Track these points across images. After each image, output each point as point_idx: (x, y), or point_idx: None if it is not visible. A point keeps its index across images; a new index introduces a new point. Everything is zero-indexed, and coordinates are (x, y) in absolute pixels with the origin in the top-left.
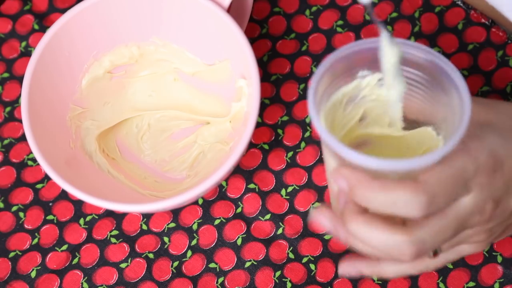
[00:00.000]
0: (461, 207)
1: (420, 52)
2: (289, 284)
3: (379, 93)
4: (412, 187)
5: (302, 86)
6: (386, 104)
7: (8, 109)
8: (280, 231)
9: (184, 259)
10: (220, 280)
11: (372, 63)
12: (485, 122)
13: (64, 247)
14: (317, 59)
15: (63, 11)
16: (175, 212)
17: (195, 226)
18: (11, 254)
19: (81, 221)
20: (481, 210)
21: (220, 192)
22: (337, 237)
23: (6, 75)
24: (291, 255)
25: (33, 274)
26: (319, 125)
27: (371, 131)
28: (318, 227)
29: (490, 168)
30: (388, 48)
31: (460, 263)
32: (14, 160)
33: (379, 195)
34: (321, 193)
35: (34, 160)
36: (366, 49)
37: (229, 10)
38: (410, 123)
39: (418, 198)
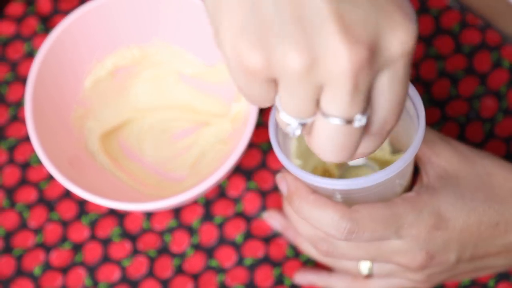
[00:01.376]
0: (388, 243)
1: None
2: (288, 282)
3: None
4: (341, 211)
5: None
6: None
7: (12, 109)
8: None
9: (185, 257)
10: (221, 277)
11: None
12: (451, 173)
13: (68, 245)
14: None
15: (66, 13)
16: (177, 211)
17: (196, 225)
18: (16, 252)
19: (84, 219)
20: (411, 256)
21: (220, 191)
22: (286, 236)
23: (10, 76)
24: (290, 253)
25: (37, 272)
26: (274, 138)
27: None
28: (269, 226)
29: (430, 225)
30: None
31: None
32: (18, 160)
33: (310, 208)
34: None
35: (38, 160)
36: None
37: None
38: (397, 148)
39: (342, 223)
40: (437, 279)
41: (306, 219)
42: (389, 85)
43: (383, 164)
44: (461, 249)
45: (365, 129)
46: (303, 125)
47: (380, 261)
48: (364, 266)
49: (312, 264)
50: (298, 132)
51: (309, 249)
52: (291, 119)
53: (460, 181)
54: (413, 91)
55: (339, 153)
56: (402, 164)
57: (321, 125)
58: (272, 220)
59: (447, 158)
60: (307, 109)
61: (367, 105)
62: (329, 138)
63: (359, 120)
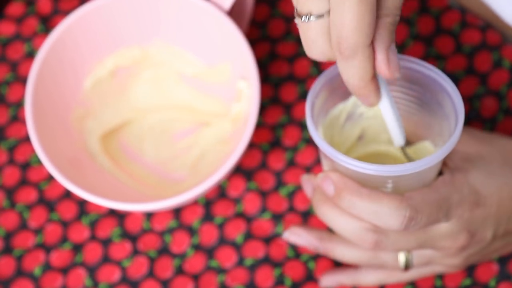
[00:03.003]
0: (435, 228)
1: (412, 64)
2: (288, 282)
3: (376, 110)
4: (398, 199)
5: (301, 87)
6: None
7: (12, 110)
8: (280, 230)
9: (185, 258)
10: (221, 278)
11: None
12: (474, 154)
13: (68, 245)
14: (316, 61)
15: (67, 13)
16: (177, 211)
17: (196, 225)
18: (16, 253)
19: (85, 220)
20: (454, 237)
21: (220, 192)
22: (313, 247)
23: (10, 76)
24: (291, 254)
25: (37, 272)
26: (316, 134)
27: (370, 149)
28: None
29: (472, 202)
30: None
31: None
32: (18, 160)
33: (364, 202)
34: None
35: (38, 160)
36: None
37: (230, 13)
38: (408, 139)
39: (401, 211)
40: (471, 260)
41: (359, 214)
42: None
43: (392, 157)
44: (496, 225)
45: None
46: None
47: (426, 247)
48: (403, 258)
49: (313, 264)
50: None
51: (343, 253)
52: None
53: (485, 160)
54: (449, 85)
55: (307, 47)
56: (451, 144)
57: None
58: (295, 237)
59: (466, 143)
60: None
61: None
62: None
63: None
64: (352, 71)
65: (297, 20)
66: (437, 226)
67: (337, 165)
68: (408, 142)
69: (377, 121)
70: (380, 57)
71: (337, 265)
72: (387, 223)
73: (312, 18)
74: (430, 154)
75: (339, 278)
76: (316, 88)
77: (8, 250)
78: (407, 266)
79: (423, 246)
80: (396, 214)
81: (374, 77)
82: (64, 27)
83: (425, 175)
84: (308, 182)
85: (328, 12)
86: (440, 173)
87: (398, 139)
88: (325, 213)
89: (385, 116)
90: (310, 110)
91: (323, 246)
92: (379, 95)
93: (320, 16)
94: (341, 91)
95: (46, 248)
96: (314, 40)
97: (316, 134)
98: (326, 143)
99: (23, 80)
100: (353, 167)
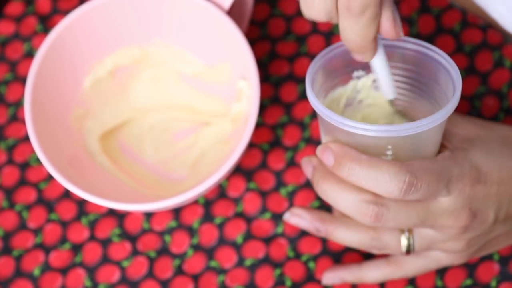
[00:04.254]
0: (435, 202)
1: (405, 44)
2: (289, 282)
3: (374, 96)
4: (397, 165)
5: (301, 86)
6: (383, 107)
7: (11, 109)
8: (280, 230)
9: (185, 258)
10: (221, 278)
11: (367, 63)
12: (474, 136)
13: (67, 246)
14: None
15: (66, 12)
16: (177, 211)
17: (196, 225)
18: (15, 253)
19: (84, 220)
20: (456, 215)
21: (220, 192)
22: (315, 229)
23: (10, 76)
24: (291, 254)
25: (36, 273)
26: (316, 101)
27: None
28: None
29: (473, 178)
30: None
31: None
32: (17, 160)
33: (364, 168)
34: None
35: (37, 160)
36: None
37: (229, 12)
38: (408, 120)
39: (401, 176)
40: (474, 247)
41: (359, 181)
42: None
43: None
44: (498, 206)
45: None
46: None
47: (427, 224)
48: (404, 241)
49: (313, 264)
50: None
51: (344, 235)
52: None
53: (485, 140)
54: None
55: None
56: (453, 106)
57: None
58: (297, 218)
59: (464, 126)
60: None
61: None
62: None
63: None
64: (357, 29)
65: None
66: (438, 201)
67: (337, 134)
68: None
69: (377, 109)
70: (387, 14)
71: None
72: (386, 189)
73: None
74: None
75: (342, 274)
76: (315, 66)
77: (7, 250)
78: (409, 250)
79: (424, 222)
80: (396, 179)
81: (376, 35)
82: (63, 26)
83: (425, 144)
84: (308, 163)
85: None
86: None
87: (390, 92)
88: (325, 189)
89: (378, 70)
90: (310, 82)
91: (324, 227)
92: (376, 52)
93: None
94: (339, 73)
95: (46, 248)
96: None
97: (316, 100)
98: (326, 108)
99: (22, 80)
100: (354, 130)
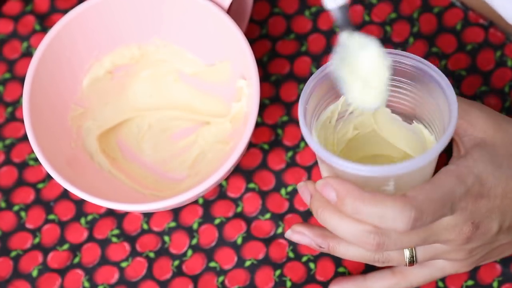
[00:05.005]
0: (438, 223)
1: (404, 59)
2: (289, 283)
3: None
4: (401, 201)
5: (301, 86)
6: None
7: (9, 109)
8: (280, 230)
9: (184, 258)
10: (221, 279)
11: None
12: (488, 142)
13: (65, 246)
14: (316, 59)
15: (64, 11)
16: (176, 212)
17: (195, 226)
18: (13, 254)
19: (82, 220)
20: (458, 230)
21: (220, 192)
22: (317, 246)
23: (7, 75)
24: (291, 254)
25: (34, 273)
26: (311, 139)
27: (364, 151)
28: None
29: (476, 193)
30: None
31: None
32: (15, 160)
33: (368, 206)
34: None
35: (35, 160)
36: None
37: (229, 11)
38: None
39: (406, 212)
40: (478, 255)
41: (364, 219)
42: None
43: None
44: (502, 218)
45: None
46: None
47: (429, 242)
48: (407, 253)
49: (313, 265)
50: None
51: (347, 250)
52: None
53: (497, 149)
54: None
55: None
56: (447, 138)
57: None
58: (298, 235)
59: (483, 128)
60: None
61: None
62: None
63: None
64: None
65: None
66: (440, 221)
67: (335, 169)
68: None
69: (367, 117)
70: None
71: (338, 266)
72: (392, 226)
73: None
74: (426, 149)
75: (347, 286)
76: (306, 93)
77: (5, 251)
78: (412, 261)
79: (427, 241)
80: (402, 216)
81: None
82: (61, 25)
83: (424, 169)
84: (305, 189)
85: None
86: (450, 152)
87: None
88: (325, 219)
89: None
90: (303, 117)
91: (326, 243)
92: None
93: None
94: (330, 93)
95: (44, 249)
96: None
97: (312, 140)
98: (324, 149)
99: (20, 79)
100: (354, 171)
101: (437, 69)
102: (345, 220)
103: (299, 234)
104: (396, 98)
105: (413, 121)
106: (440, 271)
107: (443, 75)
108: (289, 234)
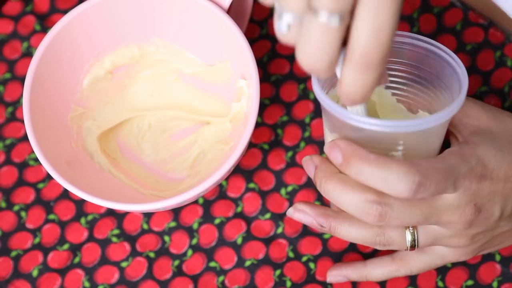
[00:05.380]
0: (440, 199)
1: (407, 39)
2: (289, 283)
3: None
4: (406, 165)
5: (301, 86)
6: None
7: (9, 109)
8: (280, 230)
9: (184, 258)
10: (221, 279)
11: None
12: (485, 129)
13: (66, 246)
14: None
15: (64, 12)
16: (176, 212)
17: (195, 226)
18: (13, 253)
19: (83, 220)
20: (461, 211)
21: (220, 192)
22: (318, 224)
23: (8, 75)
24: (291, 254)
25: (34, 273)
26: (320, 92)
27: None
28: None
29: (479, 174)
30: None
31: (459, 261)
32: (15, 160)
33: (372, 168)
34: (320, 193)
35: (35, 160)
36: None
37: (229, 11)
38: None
39: (410, 176)
40: (479, 242)
41: (368, 181)
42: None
43: None
44: (504, 203)
45: (348, 55)
46: (291, 24)
47: (431, 221)
48: (409, 236)
49: (313, 265)
50: (284, 28)
51: (348, 231)
52: (283, 14)
53: (495, 135)
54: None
55: (318, 54)
56: (461, 101)
57: (306, 24)
58: (300, 214)
59: (477, 117)
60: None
61: (348, 10)
62: (312, 37)
63: (339, 19)
64: (368, 81)
65: (295, 17)
66: (442, 198)
67: (345, 130)
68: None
69: (377, 102)
70: None
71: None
72: (395, 189)
73: (334, 19)
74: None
75: (346, 272)
76: None
77: (5, 251)
78: (414, 245)
79: (429, 219)
80: (405, 179)
81: None
82: (61, 25)
83: (433, 137)
84: (310, 162)
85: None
86: (448, 146)
87: None
88: (329, 189)
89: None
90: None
91: (328, 223)
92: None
93: (342, 18)
94: None
95: (44, 248)
96: (326, 47)
97: (323, 93)
98: (335, 103)
99: (20, 79)
100: (366, 126)
101: (440, 44)
102: (348, 190)
103: (301, 212)
104: (401, 85)
105: (419, 110)
106: (440, 259)
107: (448, 49)
108: (290, 212)
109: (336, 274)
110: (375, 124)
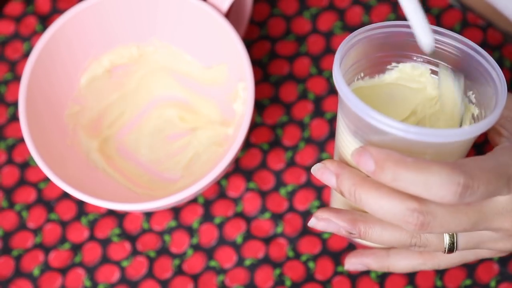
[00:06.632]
0: (490, 202)
1: (454, 42)
2: (288, 282)
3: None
4: (449, 166)
5: (301, 86)
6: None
7: (11, 109)
8: (279, 230)
9: (185, 258)
10: (221, 278)
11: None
12: None
13: (67, 245)
14: (316, 60)
15: None
16: (176, 211)
17: (195, 225)
18: (14, 253)
19: (83, 220)
20: None
21: (220, 191)
22: (346, 231)
23: (9, 76)
24: (291, 254)
25: (36, 273)
26: (344, 87)
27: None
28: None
29: None
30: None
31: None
32: (17, 160)
33: (411, 172)
34: (320, 193)
35: None
36: (398, 33)
37: (228, 12)
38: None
39: (454, 177)
40: None
41: (406, 187)
42: None
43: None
44: None
45: None
46: None
47: (479, 228)
48: (447, 240)
49: (313, 264)
50: None
51: (381, 235)
52: None
53: None
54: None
55: None
56: (502, 105)
57: None
58: (324, 223)
59: None
60: None
61: None
62: None
63: None
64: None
65: None
66: (494, 201)
67: (370, 135)
68: None
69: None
70: None
71: (337, 265)
72: (438, 195)
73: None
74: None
75: (367, 261)
76: (349, 44)
77: (6, 250)
78: (452, 249)
79: (477, 226)
80: (449, 182)
81: None
82: (59, 25)
83: (463, 148)
84: (325, 170)
85: None
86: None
87: (426, 40)
88: (361, 197)
89: (410, 13)
90: (338, 63)
91: (357, 229)
92: None
93: None
94: (374, 60)
95: (45, 248)
96: None
97: (348, 90)
98: (363, 102)
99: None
100: (400, 132)
101: (482, 50)
102: (385, 197)
103: (325, 221)
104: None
105: None
106: (473, 255)
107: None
108: (313, 222)
109: (355, 262)
110: (397, 128)
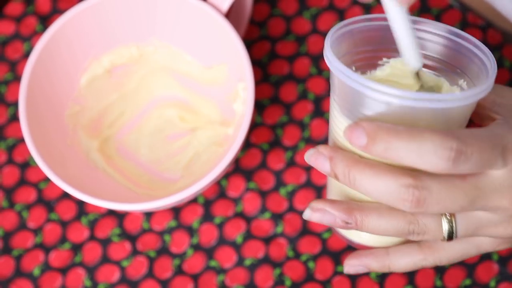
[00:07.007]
0: (487, 177)
1: (434, 29)
2: (288, 282)
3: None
4: (442, 132)
5: (301, 87)
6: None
7: (11, 109)
8: (279, 229)
9: (185, 258)
10: (221, 278)
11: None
12: None
13: (67, 245)
14: (316, 60)
15: None
16: (176, 211)
17: (196, 225)
18: (15, 253)
19: (84, 220)
20: None
21: (220, 191)
22: (341, 222)
23: (9, 76)
24: (291, 254)
25: (36, 272)
26: (333, 58)
27: None
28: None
29: None
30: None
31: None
32: (17, 160)
33: (403, 140)
34: (320, 192)
35: None
36: (388, 27)
37: (229, 12)
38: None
39: (447, 143)
40: None
41: (398, 156)
42: None
43: None
44: None
45: None
46: None
47: (477, 206)
48: (446, 225)
49: (313, 264)
50: None
51: (378, 223)
52: None
53: None
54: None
55: None
56: (490, 82)
57: None
58: (319, 214)
59: (511, 96)
60: None
61: None
62: None
63: None
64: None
65: None
66: (490, 176)
67: (363, 109)
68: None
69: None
70: None
71: (337, 264)
72: (431, 162)
73: None
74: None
75: (367, 261)
76: (342, 31)
77: (7, 250)
78: (451, 236)
79: (474, 203)
80: (441, 148)
81: None
82: (59, 25)
83: (457, 121)
84: (319, 155)
85: None
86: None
87: (413, 59)
88: (355, 177)
89: (398, 30)
90: (329, 43)
91: (353, 218)
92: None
93: None
94: (365, 52)
95: (45, 248)
96: None
97: (337, 61)
98: (354, 73)
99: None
100: (397, 100)
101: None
102: (379, 175)
103: (319, 211)
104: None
105: None
106: (475, 247)
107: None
108: (308, 214)
109: (355, 263)
110: (393, 94)
